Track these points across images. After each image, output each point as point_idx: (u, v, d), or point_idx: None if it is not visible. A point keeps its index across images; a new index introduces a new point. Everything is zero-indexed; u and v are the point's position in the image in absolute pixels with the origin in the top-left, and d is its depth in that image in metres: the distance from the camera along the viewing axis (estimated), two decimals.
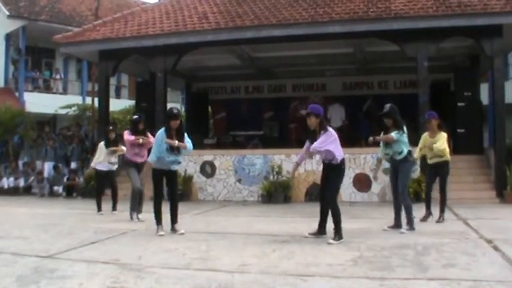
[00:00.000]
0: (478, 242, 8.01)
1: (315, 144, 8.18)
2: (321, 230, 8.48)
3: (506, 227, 9.61)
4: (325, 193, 8.57)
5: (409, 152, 9.24)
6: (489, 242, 7.88)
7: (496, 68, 15.19)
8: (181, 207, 8.99)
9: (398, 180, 9.27)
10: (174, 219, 9.31)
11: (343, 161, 8.30)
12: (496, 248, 7.34)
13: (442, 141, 10.26)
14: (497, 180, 14.72)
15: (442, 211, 10.41)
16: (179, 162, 9.38)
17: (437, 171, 10.49)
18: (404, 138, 9.20)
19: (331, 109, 21.23)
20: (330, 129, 8.32)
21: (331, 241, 7.86)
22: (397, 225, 9.24)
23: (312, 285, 5.43)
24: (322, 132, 8.21)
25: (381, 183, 15.28)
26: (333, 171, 8.36)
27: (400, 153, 9.15)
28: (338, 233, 8.01)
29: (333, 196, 8.39)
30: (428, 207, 10.53)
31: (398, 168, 9.26)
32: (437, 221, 10.21)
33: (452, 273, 5.90)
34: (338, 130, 8.86)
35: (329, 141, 8.14)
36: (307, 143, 8.60)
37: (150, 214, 9.66)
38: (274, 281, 5.61)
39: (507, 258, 6.61)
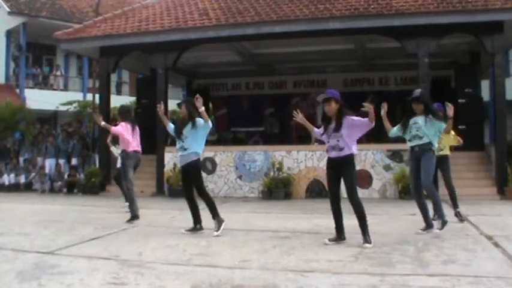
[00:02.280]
0: (478, 238, 8.03)
1: (366, 120, 7.48)
2: (340, 235, 7.72)
3: (507, 224, 9.63)
4: (338, 195, 7.80)
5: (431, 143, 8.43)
6: (489, 238, 7.89)
7: (497, 65, 15.19)
8: (182, 203, 8.98)
9: (421, 170, 8.43)
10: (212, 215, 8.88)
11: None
12: (496, 245, 7.36)
13: (454, 134, 10.20)
14: (498, 177, 14.74)
15: (455, 206, 9.94)
16: (185, 149, 8.93)
17: (439, 165, 9.95)
18: (440, 127, 8.45)
19: (319, 108, 21.11)
20: (348, 115, 7.65)
21: (367, 245, 7.31)
22: (428, 225, 8.49)
23: (312, 281, 5.44)
24: (344, 118, 7.57)
25: (381, 179, 15.33)
26: (345, 165, 7.63)
27: (422, 137, 8.40)
28: (367, 234, 7.50)
29: (356, 193, 7.68)
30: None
31: (420, 157, 8.44)
32: (459, 218, 9.75)
33: (452, 269, 5.92)
34: None
35: (352, 126, 7.58)
36: (319, 130, 7.97)
37: (148, 210, 9.64)
38: (275, 277, 5.62)
39: (507, 255, 6.63)
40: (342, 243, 7.46)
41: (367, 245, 7.31)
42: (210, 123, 8.99)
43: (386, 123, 8.69)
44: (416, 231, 8.49)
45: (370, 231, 7.53)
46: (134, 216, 10.54)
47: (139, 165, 11.39)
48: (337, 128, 7.62)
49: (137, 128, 11.22)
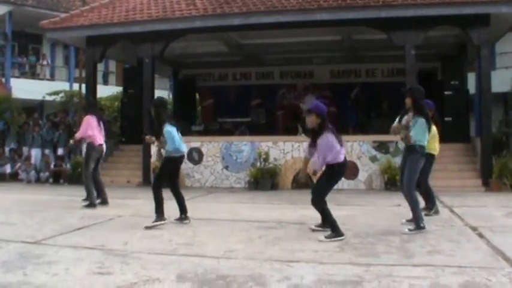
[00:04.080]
0: (463, 229, 8.09)
1: (316, 162, 7.56)
2: (325, 223, 7.77)
3: (491, 215, 9.68)
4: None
5: (421, 145, 8.03)
6: (474, 229, 7.95)
7: (483, 57, 15.22)
8: (168, 194, 8.98)
9: (405, 175, 8.25)
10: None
11: (338, 164, 7.46)
12: (480, 235, 7.42)
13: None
14: (483, 169, 14.81)
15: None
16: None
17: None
18: (422, 124, 7.97)
19: (306, 99, 20.93)
20: (326, 132, 7.40)
21: (322, 238, 7.25)
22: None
23: (297, 271, 5.45)
24: (320, 136, 7.44)
25: (368, 170, 15.38)
26: (325, 171, 7.61)
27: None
28: (332, 231, 7.37)
29: (317, 198, 7.56)
30: (430, 200, 9.76)
31: (407, 157, 8.23)
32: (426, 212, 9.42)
33: (437, 259, 5.96)
34: None
35: (324, 148, 7.39)
36: (308, 144, 7.91)
37: (134, 200, 9.63)
38: (260, 267, 5.64)
39: (491, 245, 6.68)
40: (328, 231, 7.45)
41: (322, 238, 7.24)
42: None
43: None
44: (401, 222, 8.53)
45: (356, 221, 7.56)
46: (91, 204, 11.07)
47: (103, 157, 12.00)
48: (314, 144, 7.61)
49: (102, 121, 11.80)
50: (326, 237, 7.26)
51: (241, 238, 7.38)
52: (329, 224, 7.48)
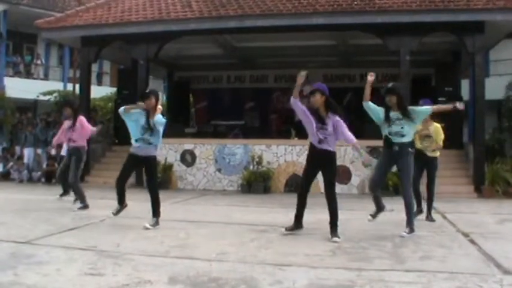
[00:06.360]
0: (455, 235, 8.11)
1: (351, 136, 7.80)
2: (298, 225, 7.98)
3: (483, 221, 9.71)
4: (309, 187, 7.98)
5: (412, 142, 8.27)
6: (466, 235, 7.97)
7: (477, 64, 15.29)
8: (161, 195, 8.96)
9: (401, 173, 8.25)
10: (154, 211, 8.78)
11: None
12: (472, 242, 7.44)
13: (440, 137, 9.94)
14: (476, 175, 14.86)
15: (429, 210, 9.83)
16: (150, 143, 8.72)
17: (426, 165, 9.77)
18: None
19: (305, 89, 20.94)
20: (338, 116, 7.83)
21: (336, 239, 7.37)
22: (379, 209, 8.39)
23: (289, 275, 5.45)
24: (330, 114, 7.77)
25: (360, 175, 15.39)
26: (330, 161, 7.78)
27: (404, 136, 8.09)
28: (336, 229, 7.60)
29: (335, 190, 7.82)
30: (419, 204, 9.72)
31: (398, 158, 8.11)
32: (427, 220, 9.61)
33: (428, 265, 5.97)
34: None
35: (345, 130, 7.78)
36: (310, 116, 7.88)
37: (126, 201, 9.59)
38: (252, 270, 5.63)
39: (483, 252, 6.70)
40: (318, 236, 7.46)
41: (335, 238, 7.39)
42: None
43: (367, 90, 8.68)
44: (368, 218, 8.51)
45: (349, 226, 7.59)
46: (84, 206, 11.00)
47: None
48: (323, 121, 7.75)
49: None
50: (337, 237, 7.48)
51: (234, 241, 7.38)
52: (336, 220, 7.68)
